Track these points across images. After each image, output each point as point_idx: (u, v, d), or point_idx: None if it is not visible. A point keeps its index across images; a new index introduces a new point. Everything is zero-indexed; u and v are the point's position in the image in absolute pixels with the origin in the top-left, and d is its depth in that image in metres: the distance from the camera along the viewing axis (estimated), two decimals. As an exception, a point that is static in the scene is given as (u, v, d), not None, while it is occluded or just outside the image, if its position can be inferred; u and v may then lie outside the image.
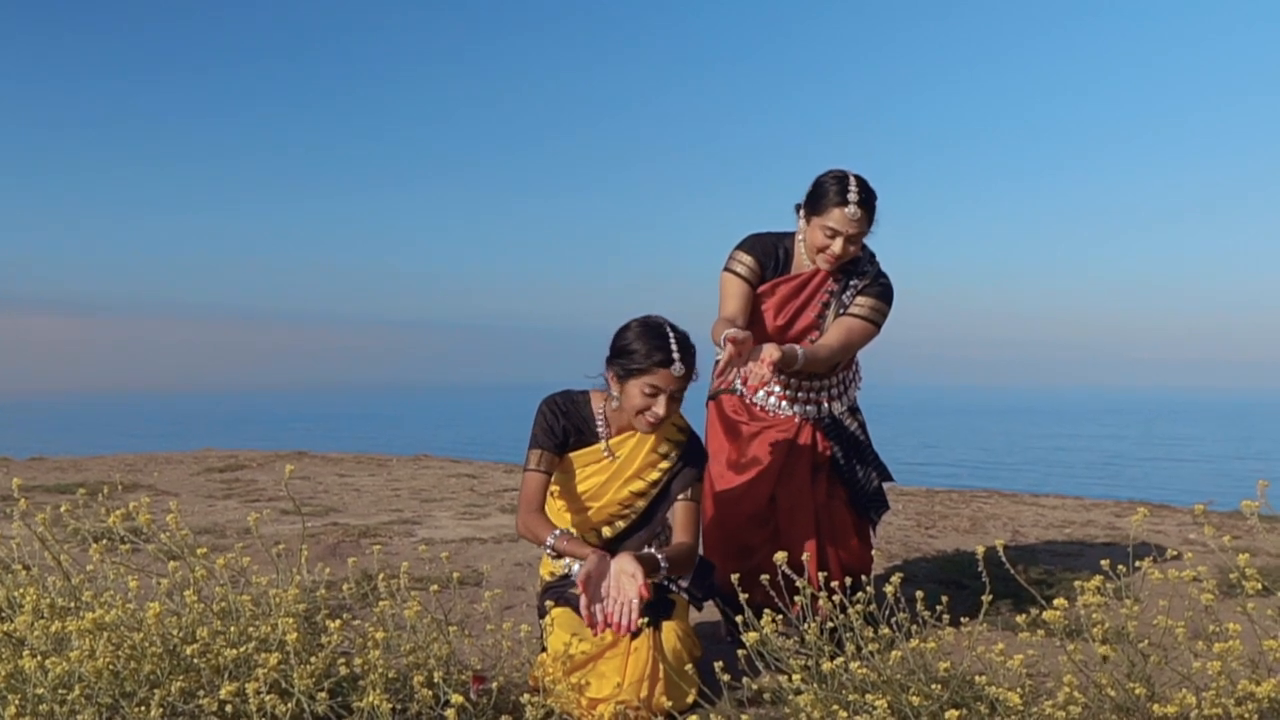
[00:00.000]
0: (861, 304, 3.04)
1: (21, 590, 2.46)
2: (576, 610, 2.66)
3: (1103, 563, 2.38)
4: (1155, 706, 1.98)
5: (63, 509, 2.81)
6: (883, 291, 3.07)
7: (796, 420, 3.15)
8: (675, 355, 2.62)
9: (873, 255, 3.13)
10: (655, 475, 2.80)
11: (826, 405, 3.17)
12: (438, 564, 3.94)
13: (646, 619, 2.60)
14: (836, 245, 2.94)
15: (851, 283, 3.07)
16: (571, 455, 2.80)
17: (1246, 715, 1.93)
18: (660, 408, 2.64)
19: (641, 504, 2.82)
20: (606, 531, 2.84)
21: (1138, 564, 2.27)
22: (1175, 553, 2.61)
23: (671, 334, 2.66)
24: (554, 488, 2.84)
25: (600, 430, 2.81)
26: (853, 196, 2.88)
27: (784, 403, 3.14)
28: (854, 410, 3.24)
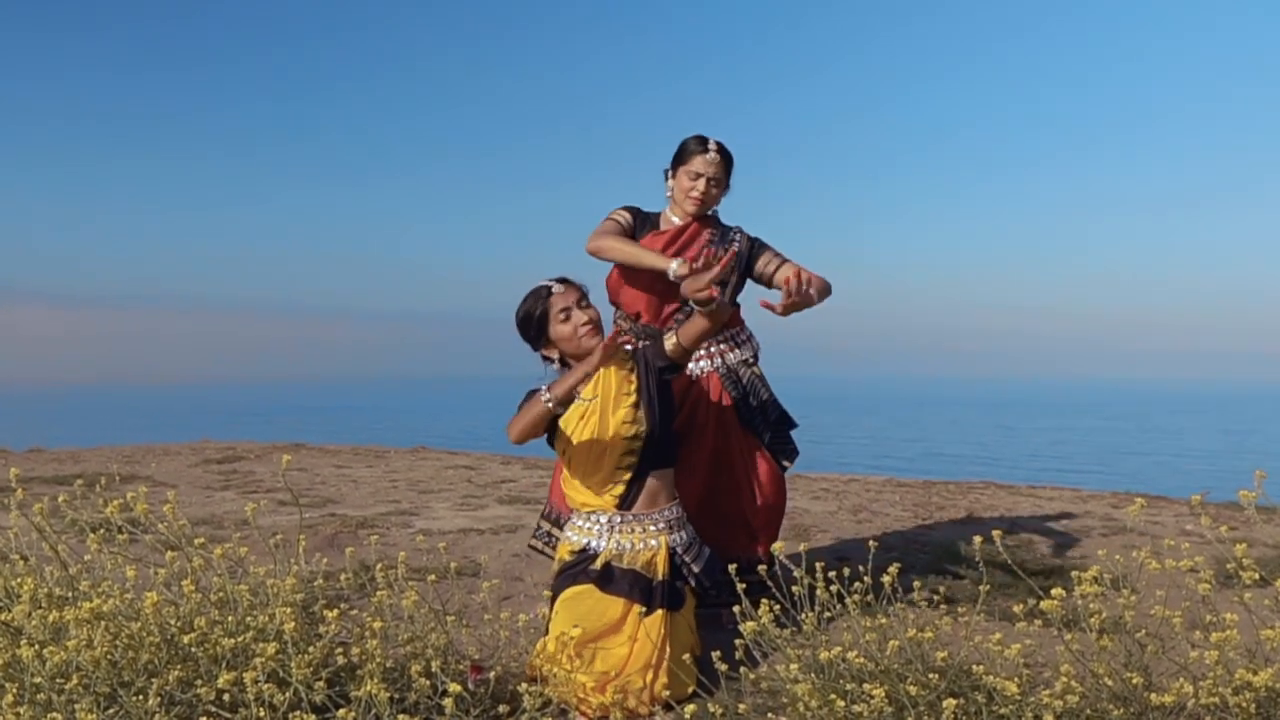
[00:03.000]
0: (773, 257, 3.30)
1: (19, 580, 2.46)
2: (599, 586, 2.71)
3: (1100, 553, 2.38)
4: (1152, 696, 1.98)
5: (60, 500, 2.81)
6: (764, 242, 3.35)
7: (710, 375, 3.37)
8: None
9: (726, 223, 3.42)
10: (631, 387, 2.86)
11: (730, 356, 3.39)
12: (435, 555, 3.95)
13: (643, 607, 2.61)
14: (700, 185, 3.27)
15: (731, 235, 3.35)
16: (568, 414, 2.84)
17: (1244, 704, 1.93)
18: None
19: (642, 417, 2.83)
20: (626, 475, 2.84)
21: (1135, 554, 2.27)
22: (1172, 543, 2.62)
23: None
24: (568, 459, 2.88)
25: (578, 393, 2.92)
26: (712, 145, 3.27)
27: (703, 361, 3.37)
28: (747, 363, 3.41)
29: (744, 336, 3.43)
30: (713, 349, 3.38)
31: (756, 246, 3.32)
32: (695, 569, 2.84)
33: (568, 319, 2.88)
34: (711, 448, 3.30)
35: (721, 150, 3.28)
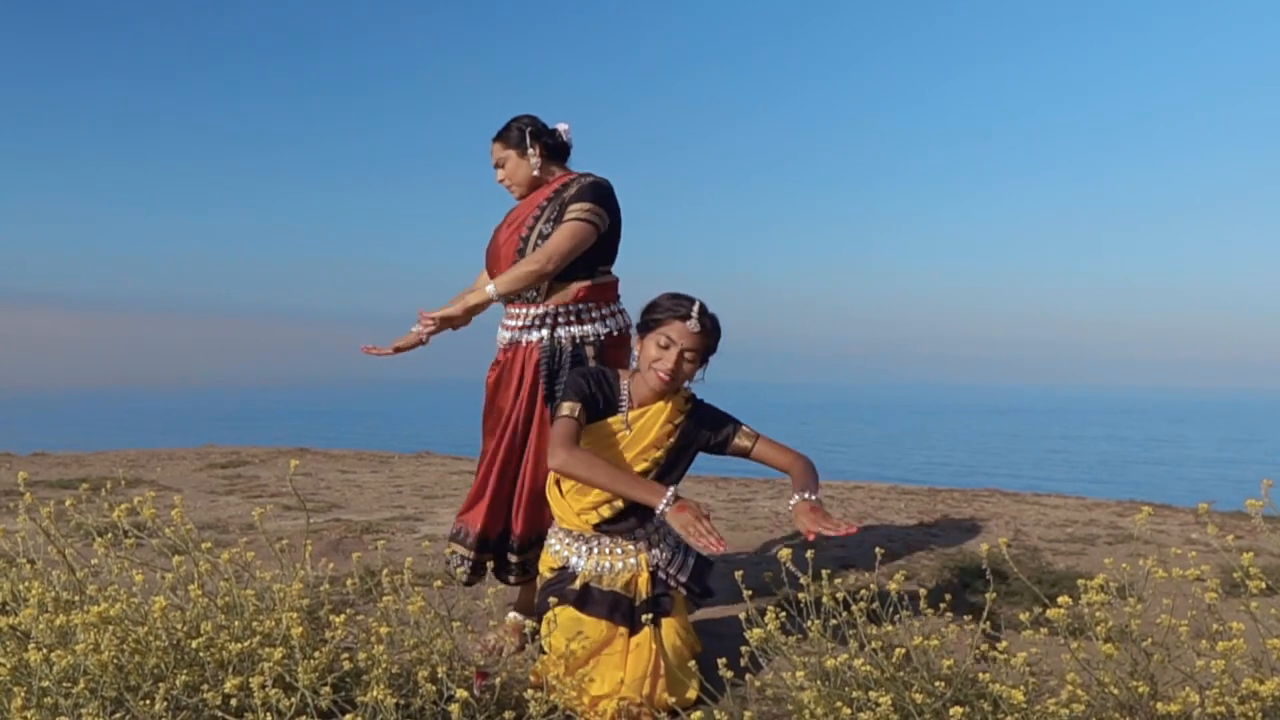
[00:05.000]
0: (574, 209, 3.02)
1: (26, 584, 2.46)
2: (577, 607, 2.68)
3: (1106, 561, 2.38)
4: (1159, 705, 1.98)
5: (67, 504, 2.82)
6: (588, 191, 3.06)
7: (532, 346, 3.09)
8: (694, 313, 2.72)
9: (582, 174, 3.18)
10: (664, 447, 2.77)
11: (568, 330, 3.05)
12: (440, 560, 3.95)
13: (650, 615, 2.61)
14: (498, 174, 3.24)
15: (565, 195, 3.08)
16: (595, 425, 2.77)
17: (1250, 714, 1.93)
18: (670, 361, 2.70)
19: (655, 470, 2.76)
20: (607, 512, 2.80)
21: (1141, 563, 2.27)
22: (1178, 552, 2.61)
23: (697, 300, 2.76)
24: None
25: (623, 404, 2.80)
26: (495, 134, 3.22)
27: (534, 331, 3.07)
28: (586, 341, 3.06)
29: (601, 312, 3.07)
30: (548, 317, 3.04)
31: (581, 194, 3.05)
32: (681, 579, 2.80)
33: (664, 349, 2.71)
34: (509, 418, 3.07)
35: (496, 135, 3.20)
